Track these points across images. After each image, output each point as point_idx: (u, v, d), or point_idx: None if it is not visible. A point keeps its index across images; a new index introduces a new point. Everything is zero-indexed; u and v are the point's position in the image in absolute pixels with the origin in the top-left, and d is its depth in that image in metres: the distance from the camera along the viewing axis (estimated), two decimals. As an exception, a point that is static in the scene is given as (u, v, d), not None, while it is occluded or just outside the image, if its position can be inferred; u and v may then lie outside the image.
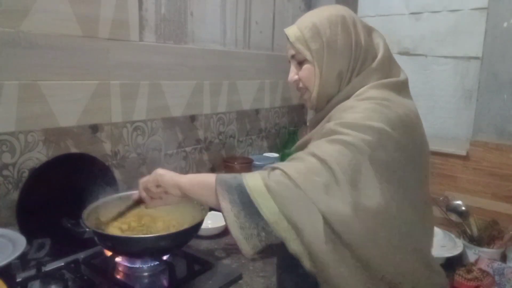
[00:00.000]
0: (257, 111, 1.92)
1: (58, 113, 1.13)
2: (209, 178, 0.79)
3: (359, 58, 0.83)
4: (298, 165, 0.73)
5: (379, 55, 0.84)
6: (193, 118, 1.57)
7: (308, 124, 0.98)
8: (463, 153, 1.67)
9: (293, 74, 0.89)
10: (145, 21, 1.35)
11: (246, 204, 0.71)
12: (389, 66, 0.85)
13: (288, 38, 0.87)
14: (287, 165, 0.74)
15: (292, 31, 0.86)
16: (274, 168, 0.75)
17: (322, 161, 0.71)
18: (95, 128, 1.23)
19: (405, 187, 0.75)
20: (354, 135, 0.72)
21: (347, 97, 0.83)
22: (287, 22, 2.04)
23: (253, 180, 0.73)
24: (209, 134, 1.66)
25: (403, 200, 0.74)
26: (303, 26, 0.85)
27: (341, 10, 0.86)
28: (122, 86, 1.29)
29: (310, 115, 2.29)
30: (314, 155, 0.73)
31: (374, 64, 0.83)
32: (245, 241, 0.72)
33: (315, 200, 0.69)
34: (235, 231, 0.72)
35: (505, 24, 1.57)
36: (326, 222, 0.68)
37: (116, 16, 1.24)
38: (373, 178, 0.71)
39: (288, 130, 2.11)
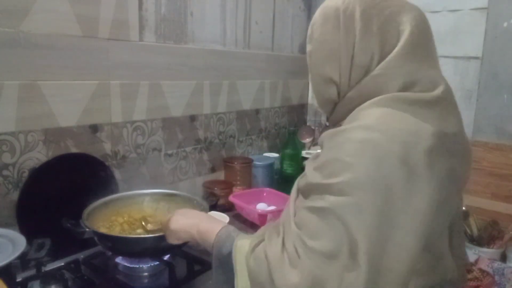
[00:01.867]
0: (257, 111, 1.92)
1: (58, 113, 1.13)
2: (211, 235, 0.79)
3: (352, 64, 0.70)
4: (279, 247, 0.67)
5: (389, 56, 0.67)
6: (193, 118, 1.57)
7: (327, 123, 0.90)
8: (463, 153, 1.67)
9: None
10: (145, 21, 1.35)
11: (229, 274, 0.73)
12: (410, 65, 0.67)
13: None
14: (269, 244, 0.70)
15: None
16: (259, 242, 0.72)
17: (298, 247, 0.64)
18: (95, 128, 1.23)
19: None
20: (333, 201, 0.61)
21: (353, 104, 0.70)
22: (287, 22, 2.05)
23: (239, 257, 0.72)
24: (209, 134, 1.66)
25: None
26: (311, 22, 0.77)
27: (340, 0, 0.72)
28: (122, 86, 1.29)
29: (310, 115, 2.29)
30: (296, 231, 0.66)
31: (377, 68, 0.68)
32: None
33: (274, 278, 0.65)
34: None
35: (505, 24, 1.57)
36: None
37: (116, 16, 1.24)
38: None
39: (288, 130, 2.11)
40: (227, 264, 0.73)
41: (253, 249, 0.71)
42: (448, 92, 0.69)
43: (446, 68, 1.76)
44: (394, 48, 0.68)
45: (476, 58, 1.67)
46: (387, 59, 0.67)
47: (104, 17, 1.21)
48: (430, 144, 0.61)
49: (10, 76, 1.02)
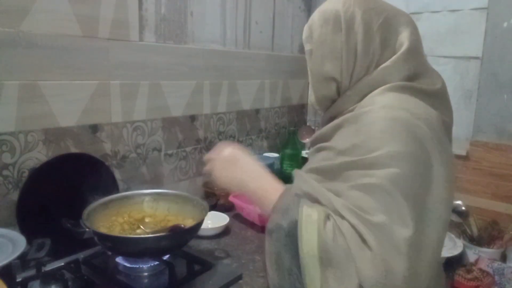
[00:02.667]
0: (257, 111, 1.92)
1: (58, 113, 1.13)
2: (268, 201, 0.74)
3: (355, 62, 0.75)
4: (348, 225, 0.64)
5: (393, 57, 0.74)
6: (193, 118, 1.57)
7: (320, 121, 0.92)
8: (463, 153, 1.67)
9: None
10: (145, 21, 1.35)
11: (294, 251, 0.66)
12: (414, 60, 0.74)
13: None
14: (340, 221, 0.65)
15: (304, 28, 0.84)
16: (328, 216, 0.67)
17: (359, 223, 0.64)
18: (95, 128, 1.23)
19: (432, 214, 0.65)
20: (380, 175, 0.63)
21: (354, 100, 0.76)
22: (287, 22, 2.05)
23: (307, 238, 0.65)
24: (209, 134, 1.66)
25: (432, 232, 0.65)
26: (307, 24, 0.82)
27: (340, 3, 0.77)
28: (122, 86, 1.29)
29: (310, 115, 2.29)
30: (352, 211, 0.65)
31: (389, 61, 0.73)
32: (278, 279, 0.68)
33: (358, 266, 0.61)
34: (271, 269, 0.69)
35: (505, 24, 1.57)
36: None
37: (116, 16, 1.24)
38: (410, 218, 0.61)
39: (288, 130, 2.11)
40: (288, 233, 0.66)
41: (324, 221, 0.65)
42: (444, 87, 0.78)
43: (446, 68, 1.76)
44: (394, 46, 0.75)
45: (476, 58, 1.67)
46: (398, 53, 0.74)
47: (104, 17, 1.21)
48: (440, 126, 0.70)
49: (10, 76, 1.03)
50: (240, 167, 0.82)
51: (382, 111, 0.68)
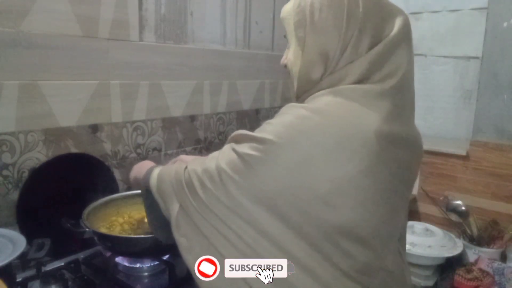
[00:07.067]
0: (257, 111, 1.92)
1: (58, 113, 1.13)
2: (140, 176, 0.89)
3: (352, 35, 0.65)
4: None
5: (377, 47, 0.65)
6: (193, 118, 1.57)
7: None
8: (463, 153, 1.67)
9: (284, 57, 0.76)
10: (145, 21, 1.35)
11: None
12: (380, 63, 0.66)
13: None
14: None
15: (285, 7, 0.74)
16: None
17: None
18: (95, 128, 1.23)
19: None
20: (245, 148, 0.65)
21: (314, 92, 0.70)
22: (287, 22, 2.04)
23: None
24: (209, 134, 1.66)
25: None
26: (298, 6, 0.70)
27: None
28: (122, 86, 1.29)
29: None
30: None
31: (359, 59, 0.65)
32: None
33: None
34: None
35: (505, 24, 1.57)
36: None
37: (116, 16, 1.24)
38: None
39: (288, 130, 2.11)
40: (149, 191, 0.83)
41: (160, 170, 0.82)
42: (403, 80, 0.67)
43: (446, 68, 1.77)
44: (381, 40, 0.67)
45: (476, 58, 1.67)
46: (373, 50, 0.66)
47: (104, 17, 1.21)
48: (368, 137, 0.62)
49: (10, 76, 1.03)
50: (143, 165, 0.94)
51: (300, 110, 0.65)
